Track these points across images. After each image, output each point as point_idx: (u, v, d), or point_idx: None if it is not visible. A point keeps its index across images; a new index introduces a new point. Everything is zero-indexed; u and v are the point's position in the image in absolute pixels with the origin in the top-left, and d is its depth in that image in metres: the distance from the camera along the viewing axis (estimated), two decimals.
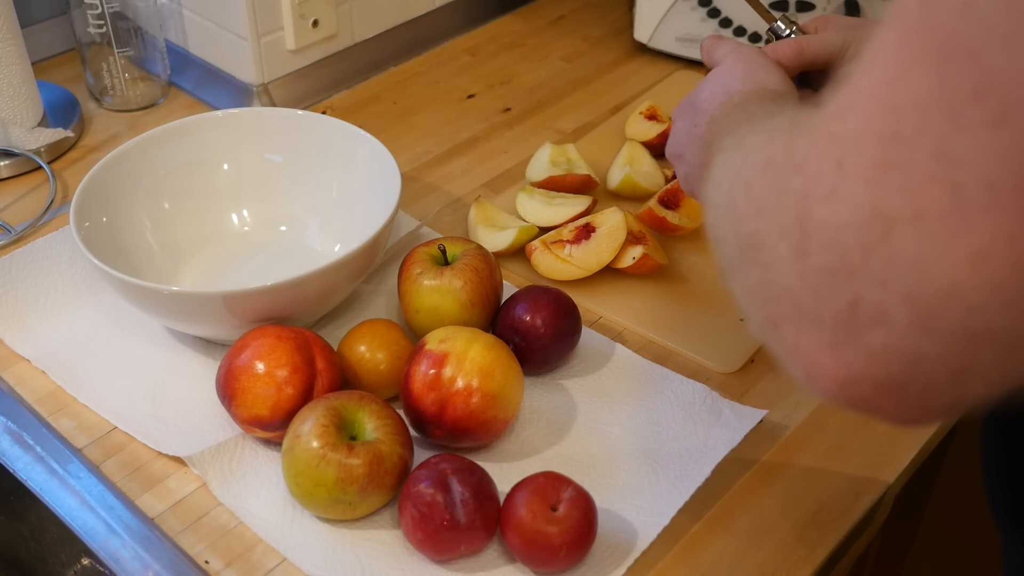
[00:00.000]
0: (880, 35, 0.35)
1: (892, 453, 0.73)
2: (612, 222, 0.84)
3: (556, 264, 0.85)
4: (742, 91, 0.63)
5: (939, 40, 0.32)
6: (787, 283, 0.37)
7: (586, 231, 0.85)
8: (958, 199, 0.31)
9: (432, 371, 0.69)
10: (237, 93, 1.07)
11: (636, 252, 0.84)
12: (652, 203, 0.90)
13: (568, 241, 0.85)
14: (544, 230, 0.89)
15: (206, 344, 0.80)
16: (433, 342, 0.71)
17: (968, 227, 0.31)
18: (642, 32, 1.16)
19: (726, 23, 1.12)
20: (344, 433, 0.66)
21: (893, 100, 0.34)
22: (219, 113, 0.90)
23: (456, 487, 0.64)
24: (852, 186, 0.34)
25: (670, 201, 0.90)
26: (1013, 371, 0.34)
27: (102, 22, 1.02)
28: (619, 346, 0.81)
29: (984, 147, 0.31)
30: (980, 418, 0.68)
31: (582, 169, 0.95)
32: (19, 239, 0.91)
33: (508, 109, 1.10)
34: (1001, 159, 0.30)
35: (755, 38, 1.12)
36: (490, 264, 0.78)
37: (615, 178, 0.95)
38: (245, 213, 0.91)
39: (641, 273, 0.86)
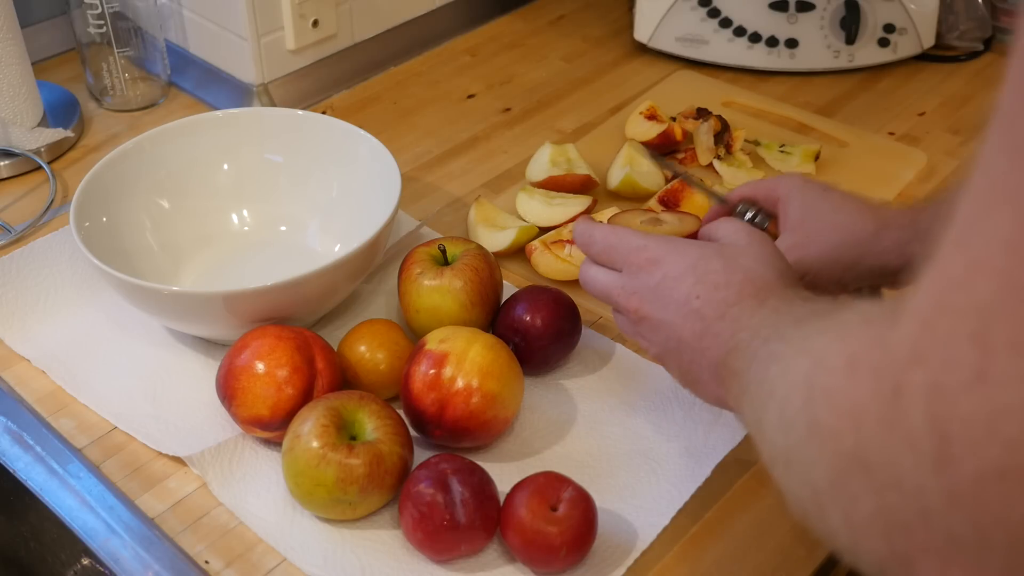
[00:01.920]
0: (981, 192, 0.31)
1: None
2: None
3: (556, 264, 0.85)
4: (751, 284, 0.55)
5: None
6: (923, 505, 0.30)
7: None
8: None
9: (432, 371, 0.69)
10: (237, 93, 1.07)
11: None
12: (652, 203, 0.90)
13: (568, 241, 0.85)
14: (544, 230, 0.89)
15: (206, 344, 0.80)
16: (433, 342, 0.71)
17: None
18: (642, 32, 1.16)
19: (726, 23, 1.12)
20: (344, 433, 0.66)
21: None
22: (219, 113, 0.90)
23: (456, 487, 0.64)
24: (1006, 363, 0.28)
25: (669, 201, 0.91)
26: None
27: (102, 22, 1.02)
28: (619, 346, 0.81)
29: None
30: None
31: (582, 169, 0.95)
32: (19, 239, 0.91)
33: (508, 109, 1.10)
34: None
35: (755, 38, 1.12)
36: (490, 264, 0.78)
37: (615, 178, 0.95)
38: (245, 213, 0.91)
39: None
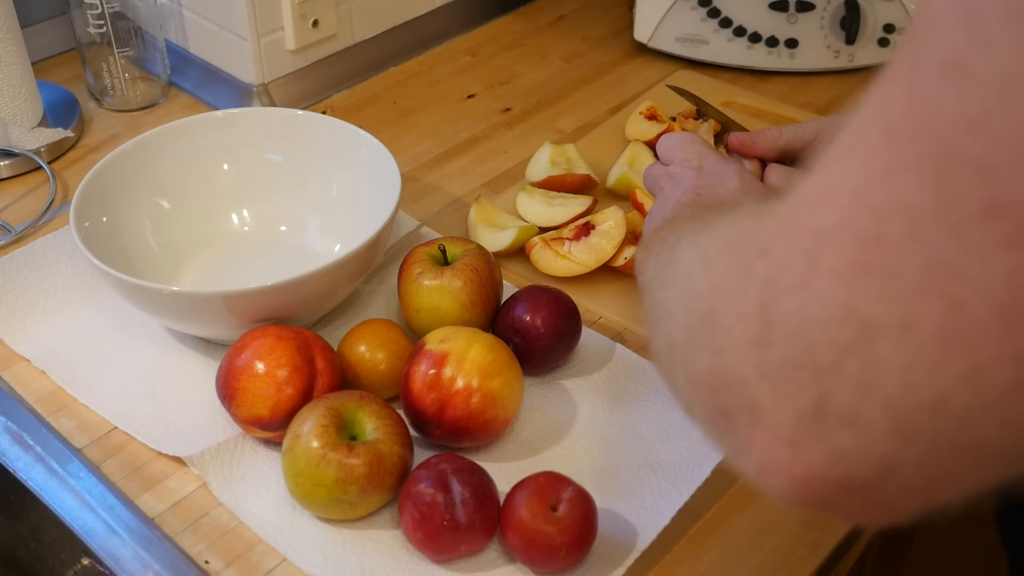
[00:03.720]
0: (857, 126, 0.34)
1: None
2: (612, 220, 0.84)
3: (555, 261, 0.85)
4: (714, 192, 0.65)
5: (939, 150, 0.30)
6: (741, 372, 0.35)
7: (586, 229, 0.85)
8: (959, 317, 0.30)
9: (432, 371, 0.69)
10: (237, 93, 1.07)
11: (629, 252, 0.84)
12: (638, 190, 0.89)
13: (568, 238, 0.85)
14: (544, 230, 0.89)
15: (206, 344, 0.80)
16: (433, 342, 0.71)
17: (969, 345, 0.30)
18: (642, 32, 1.16)
19: (726, 23, 1.12)
20: (344, 433, 0.66)
21: (876, 201, 0.32)
22: (219, 113, 0.90)
23: (456, 487, 0.64)
24: (825, 283, 0.33)
25: None
26: (993, 478, 0.33)
27: (102, 22, 1.02)
28: (619, 346, 0.81)
29: (994, 268, 0.29)
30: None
31: (582, 169, 0.95)
32: (19, 239, 0.91)
33: (508, 109, 1.10)
34: (1015, 282, 0.29)
35: (755, 38, 1.12)
36: (490, 264, 0.78)
37: (612, 176, 0.95)
38: (245, 213, 0.91)
39: (633, 274, 0.86)
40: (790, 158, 0.74)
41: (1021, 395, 0.30)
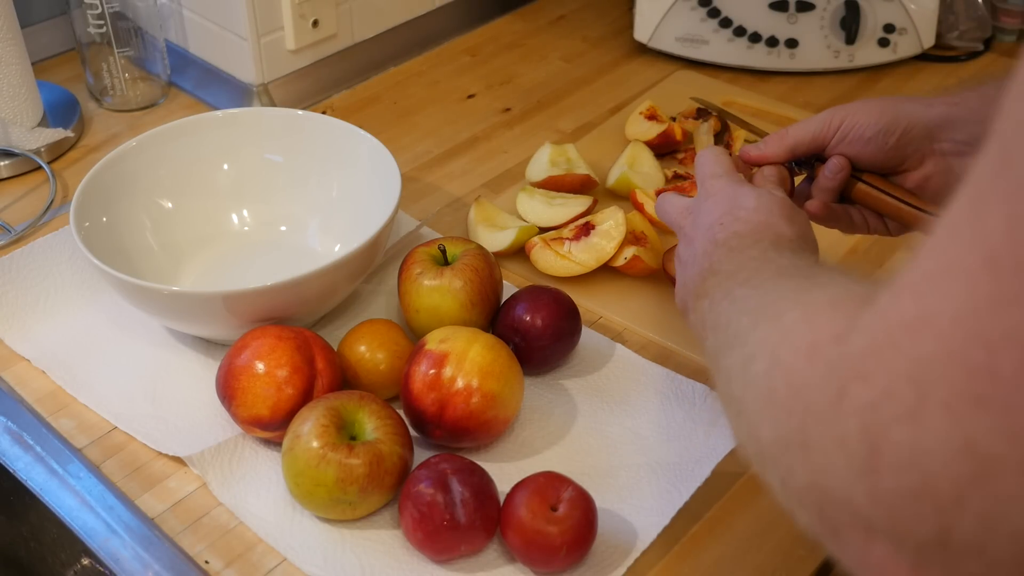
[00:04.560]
0: (953, 250, 0.34)
1: None
2: (612, 220, 0.84)
3: (555, 261, 0.85)
4: (756, 223, 0.61)
5: None
6: (849, 496, 0.35)
7: (586, 229, 0.85)
8: None
9: (432, 371, 0.69)
10: (237, 93, 1.07)
11: (628, 252, 0.84)
12: (638, 190, 0.89)
13: (568, 238, 0.85)
14: (544, 230, 0.89)
15: (206, 344, 0.80)
16: (433, 342, 0.71)
17: None
18: (642, 32, 1.16)
19: (726, 23, 1.12)
20: (344, 433, 0.66)
21: (986, 332, 0.31)
22: (219, 113, 0.90)
23: (456, 487, 0.64)
24: (938, 414, 0.32)
25: None
26: None
27: (102, 22, 1.02)
28: (619, 346, 0.81)
29: None
30: None
31: (582, 169, 0.95)
32: (19, 239, 0.91)
33: (508, 109, 1.10)
34: None
35: (755, 38, 1.12)
36: (490, 264, 0.78)
37: (612, 176, 0.95)
38: (245, 213, 0.91)
39: (633, 274, 0.86)
40: (803, 154, 0.74)
41: None
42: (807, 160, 0.74)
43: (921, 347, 0.33)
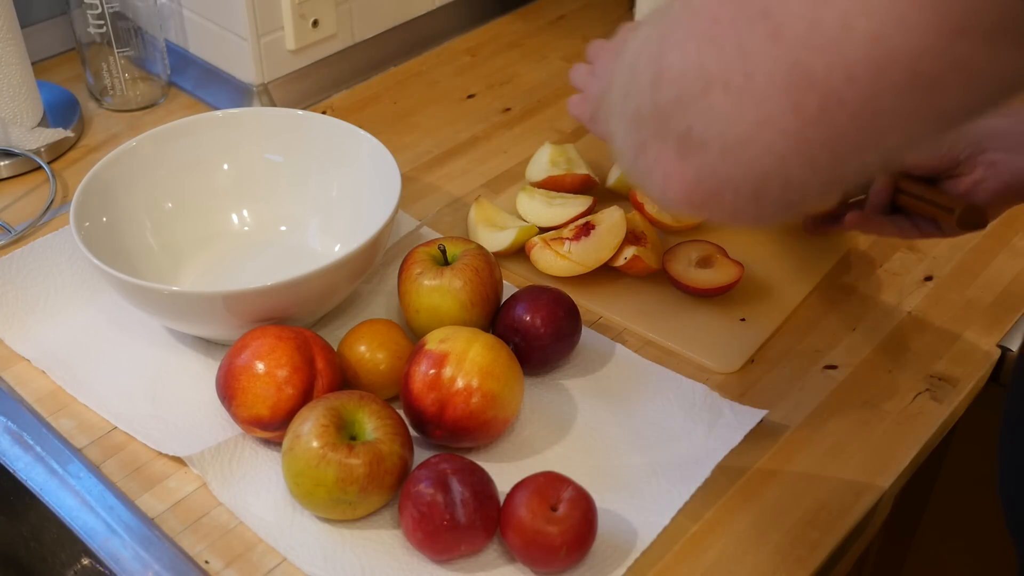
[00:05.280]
0: None
1: (892, 453, 0.73)
2: (612, 220, 0.84)
3: (555, 260, 0.85)
4: None
5: None
6: (648, 110, 0.46)
7: (586, 229, 0.85)
8: (749, 82, 0.41)
9: (432, 371, 0.69)
10: (237, 93, 1.07)
11: (628, 252, 0.84)
12: (637, 188, 0.89)
13: (568, 238, 0.85)
14: (544, 230, 0.89)
15: (206, 344, 0.80)
16: (433, 342, 0.71)
17: (756, 103, 0.41)
18: None
19: None
20: (344, 433, 0.66)
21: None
22: (219, 113, 0.90)
23: (456, 487, 0.64)
24: (690, 44, 0.43)
25: None
26: (798, 194, 0.45)
27: (102, 22, 1.02)
28: (619, 346, 0.81)
29: (765, 52, 0.40)
30: (999, 439, 0.68)
31: (582, 169, 0.95)
32: (19, 239, 0.91)
33: (508, 109, 1.10)
34: (774, 64, 0.40)
35: None
36: (490, 264, 0.78)
37: (612, 176, 0.95)
38: (245, 213, 0.91)
39: (633, 274, 0.86)
40: None
41: (787, 141, 0.42)
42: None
43: (694, 2, 0.45)
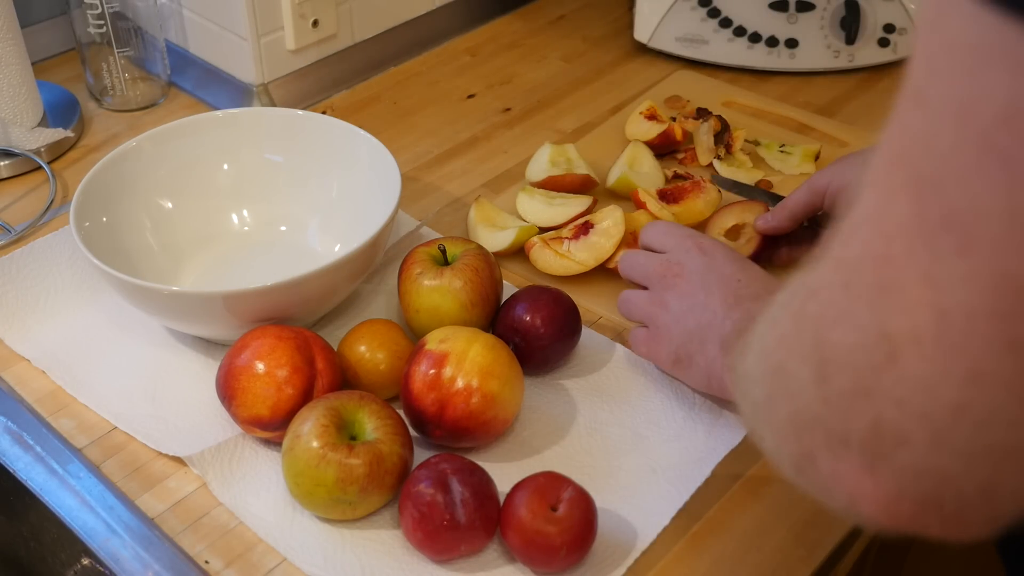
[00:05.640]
0: (873, 161, 0.36)
1: None
2: (611, 219, 0.84)
3: (555, 260, 0.85)
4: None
5: (913, 170, 0.33)
6: (814, 411, 0.37)
7: (585, 228, 0.85)
8: (945, 324, 0.32)
9: (432, 371, 0.69)
10: (237, 93, 1.07)
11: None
12: (640, 189, 0.89)
13: (567, 238, 0.85)
14: (544, 230, 0.89)
15: (206, 344, 0.80)
16: (433, 342, 0.71)
17: (960, 350, 0.32)
18: (642, 32, 1.16)
19: (726, 23, 1.12)
20: (344, 433, 0.66)
21: (884, 225, 0.34)
22: (219, 113, 0.90)
23: (456, 487, 0.64)
24: (858, 308, 0.35)
25: (671, 198, 0.90)
26: None
27: (102, 22, 1.02)
28: (619, 346, 0.81)
29: (957, 274, 0.31)
30: None
31: (582, 169, 0.95)
32: (19, 239, 0.91)
33: (508, 109, 1.10)
34: (971, 286, 0.31)
35: (755, 38, 1.12)
36: (490, 264, 0.78)
37: (612, 176, 0.95)
38: (245, 213, 0.91)
39: None
40: (804, 219, 0.82)
41: (1015, 396, 0.31)
42: (815, 220, 0.82)
43: (848, 251, 0.36)
